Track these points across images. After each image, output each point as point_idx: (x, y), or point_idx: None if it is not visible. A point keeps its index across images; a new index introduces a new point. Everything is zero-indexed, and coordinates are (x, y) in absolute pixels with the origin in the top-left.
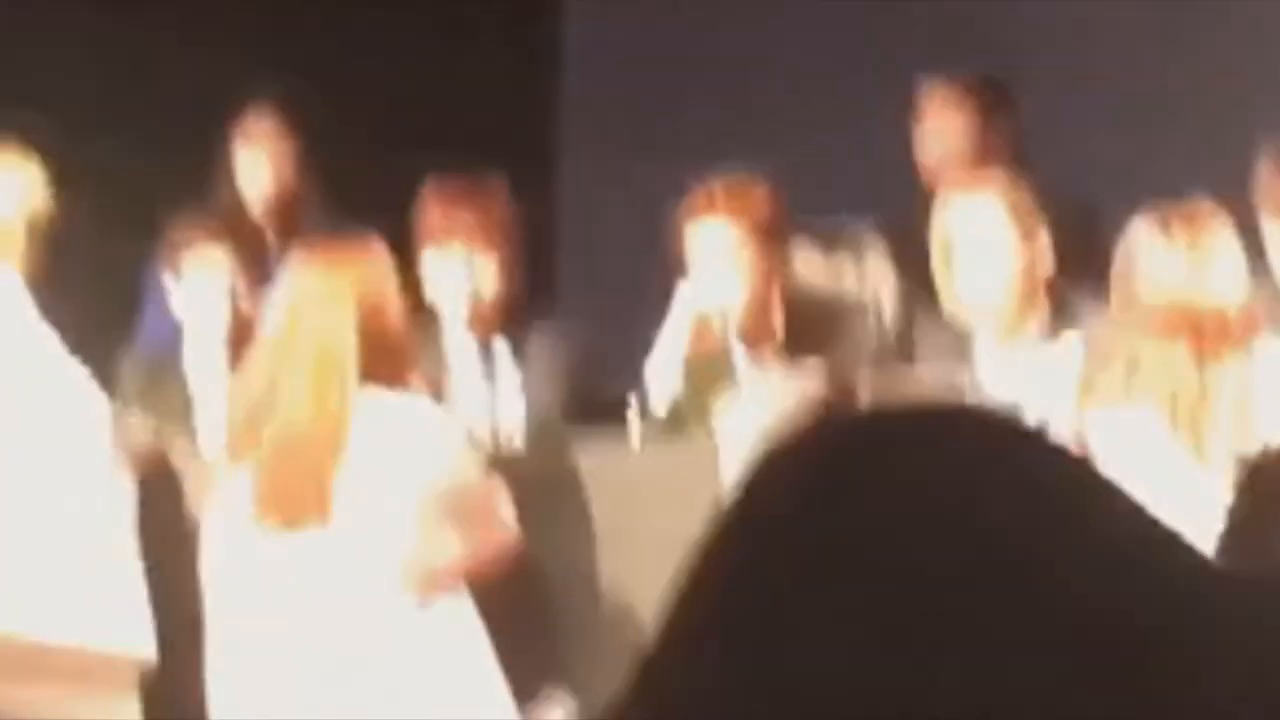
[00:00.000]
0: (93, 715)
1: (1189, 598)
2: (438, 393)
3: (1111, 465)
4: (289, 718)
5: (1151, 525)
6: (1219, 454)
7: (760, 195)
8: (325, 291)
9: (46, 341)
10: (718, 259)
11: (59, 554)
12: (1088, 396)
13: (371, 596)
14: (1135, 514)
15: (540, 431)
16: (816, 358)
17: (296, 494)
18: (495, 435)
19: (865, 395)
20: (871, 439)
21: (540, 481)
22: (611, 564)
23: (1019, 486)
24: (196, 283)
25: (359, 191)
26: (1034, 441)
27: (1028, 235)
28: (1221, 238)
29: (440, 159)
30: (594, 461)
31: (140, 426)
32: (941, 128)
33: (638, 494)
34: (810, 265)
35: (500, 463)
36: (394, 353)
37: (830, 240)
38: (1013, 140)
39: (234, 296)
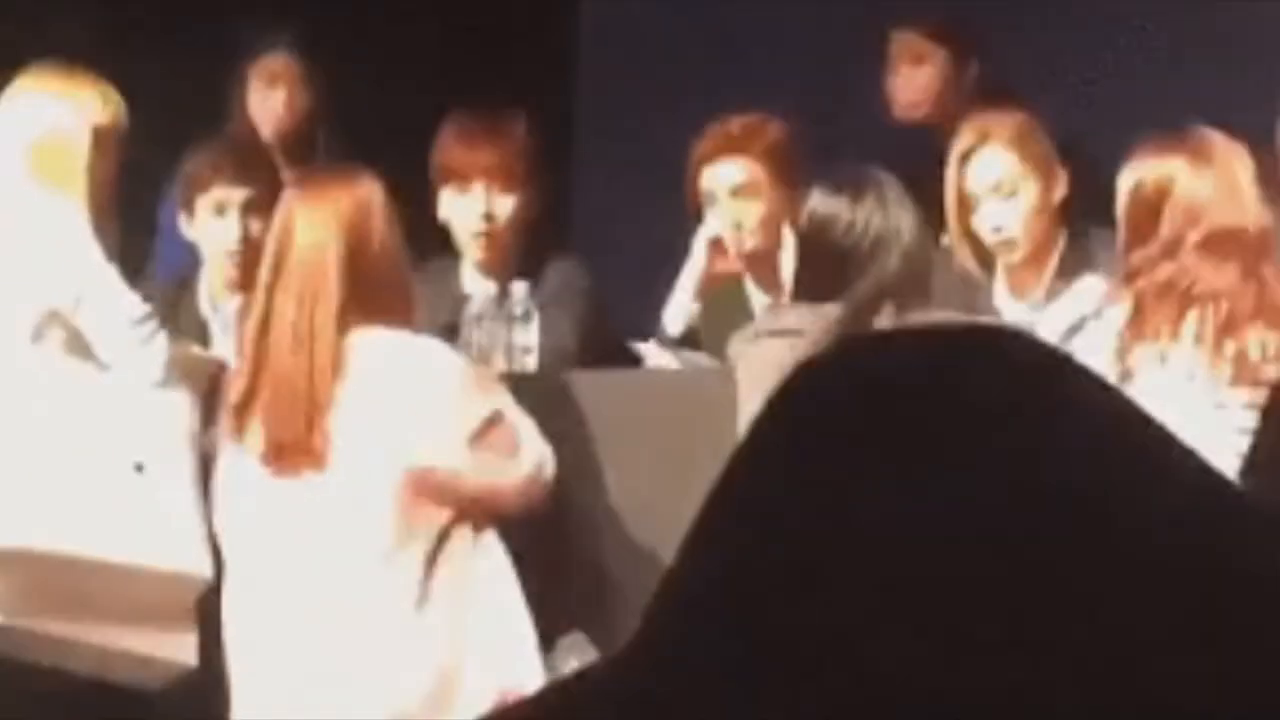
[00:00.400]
0: (153, 632)
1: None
2: (453, 334)
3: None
4: (302, 663)
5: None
6: (1253, 377)
7: (776, 134)
8: (309, 225)
9: (105, 275)
10: (734, 197)
11: (118, 475)
12: (1133, 336)
13: (375, 539)
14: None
15: (555, 368)
16: (836, 300)
17: (290, 440)
18: (511, 374)
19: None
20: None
21: (552, 405)
22: (622, 488)
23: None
24: (210, 216)
25: (379, 131)
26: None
27: (1043, 174)
28: (1244, 163)
29: (458, 99)
30: (608, 386)
31: (199, 356)
32: (910, 77)
33: (651, 418)
34: (829, 206)
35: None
36: (387, 289)
37: (848, 182)
38: (983, 82)
39: (247, 232)
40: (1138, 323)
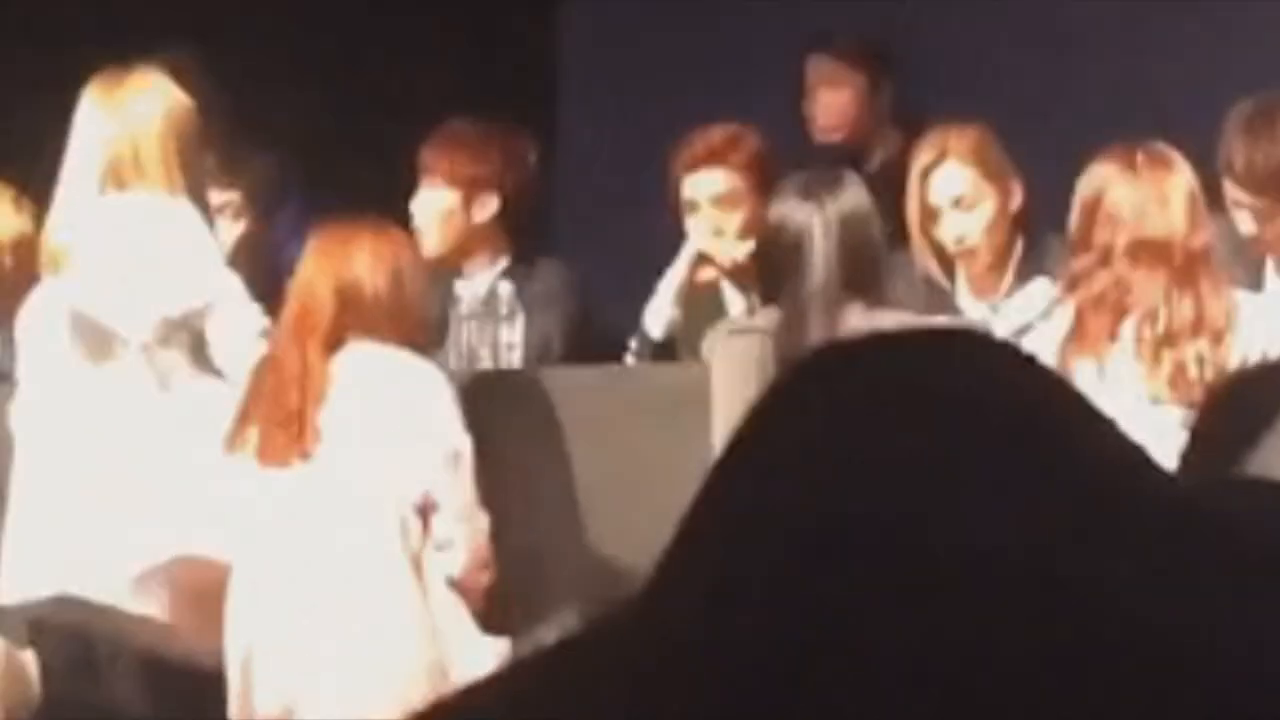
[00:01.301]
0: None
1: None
2: (443, 331)
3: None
4: (293, 653)
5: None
6: (1188, 385)
7: (755, 145)
8: (308, 265)
9: (232, 285)
10: (715, 206)
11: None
12: (1074, 346)
13: (359, 534)
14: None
15: (539, 365)
16: (776, 298)
17: (282, 437)
18: (496, 370)
19: (817, 335)
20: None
21: (535, 399)
22: (603, 480)
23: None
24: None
25: (364, 143)
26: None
27: (1001, 187)
28: (1183, 176)
29: (444, 107)
30: (590, 382)
31: None
32: (827, 101)
33: (631, 415)
34: (782, 207)
35: (499, 380)
36: (388, 315)
37: (802, 183)
38: (897, 100)
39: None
40: (1078, 332)
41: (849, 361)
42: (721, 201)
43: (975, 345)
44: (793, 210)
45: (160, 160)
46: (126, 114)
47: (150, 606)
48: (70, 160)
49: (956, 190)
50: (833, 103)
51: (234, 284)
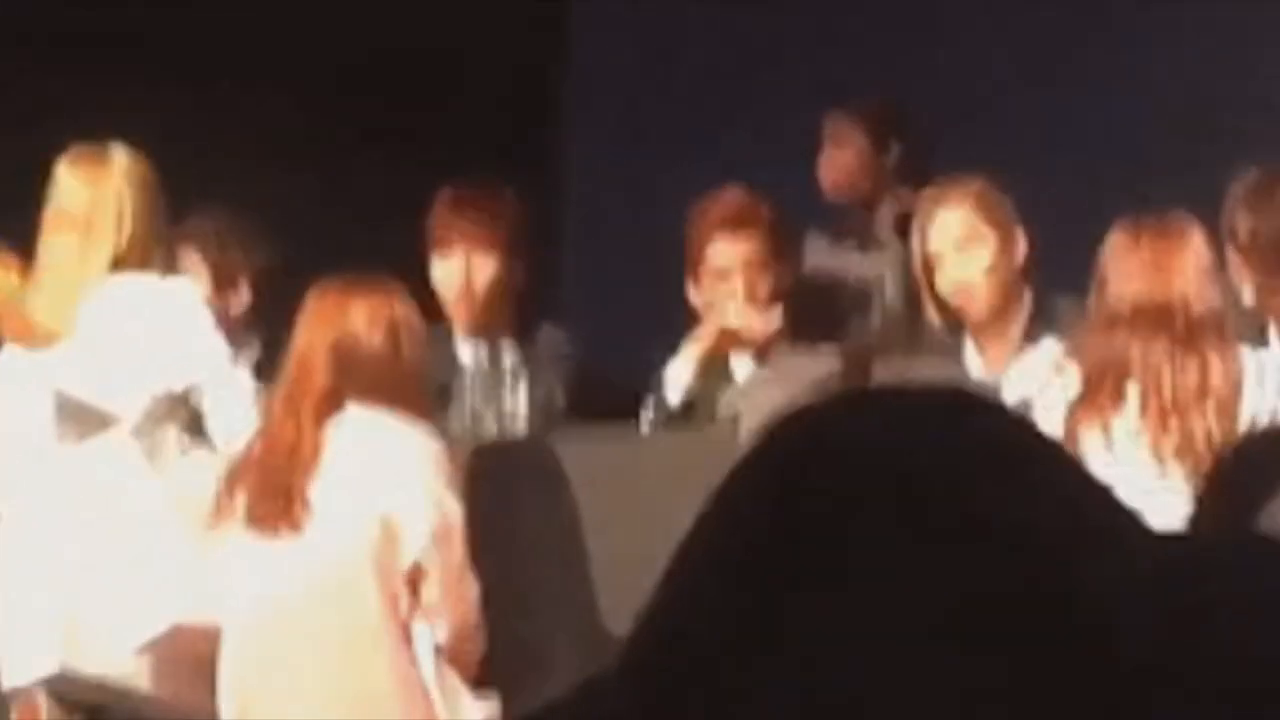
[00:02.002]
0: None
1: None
2: (446, 396)
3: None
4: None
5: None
6: (1195, 452)
7: (773, 211)
8: (307, 327)
9: (226, 357)
10: (745, 273)
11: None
12: (1081, 412)
13: (347, 605)
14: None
15: (546, 428)
16: (830, 342)
17: (270, 507)
18: (503, 436)
19: (879, 377)
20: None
21: (543, 465)
22: (612, 549)
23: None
24: None
25: (369, 201)
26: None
27: (1003, 233)
28: (1190, 246)
29: (447, 163)
30: (602, 448)
31: None
32: (832, 158)
33: (646, 481)
34: (818, 254)
35: (504, 448)
36: (384, 376)
37: (839, 231)
38: (912, 158)
39: None
40: (1086, 397)
41: (815, 449)
42: (752, 266)
43: (961, 407)
44: (822, 258)
45: (139, 233)
46: (101, 188)
47: (149, 679)
48: (50, 234)
49: (954, 233)
50: (838, 161)
51: (226, 357)
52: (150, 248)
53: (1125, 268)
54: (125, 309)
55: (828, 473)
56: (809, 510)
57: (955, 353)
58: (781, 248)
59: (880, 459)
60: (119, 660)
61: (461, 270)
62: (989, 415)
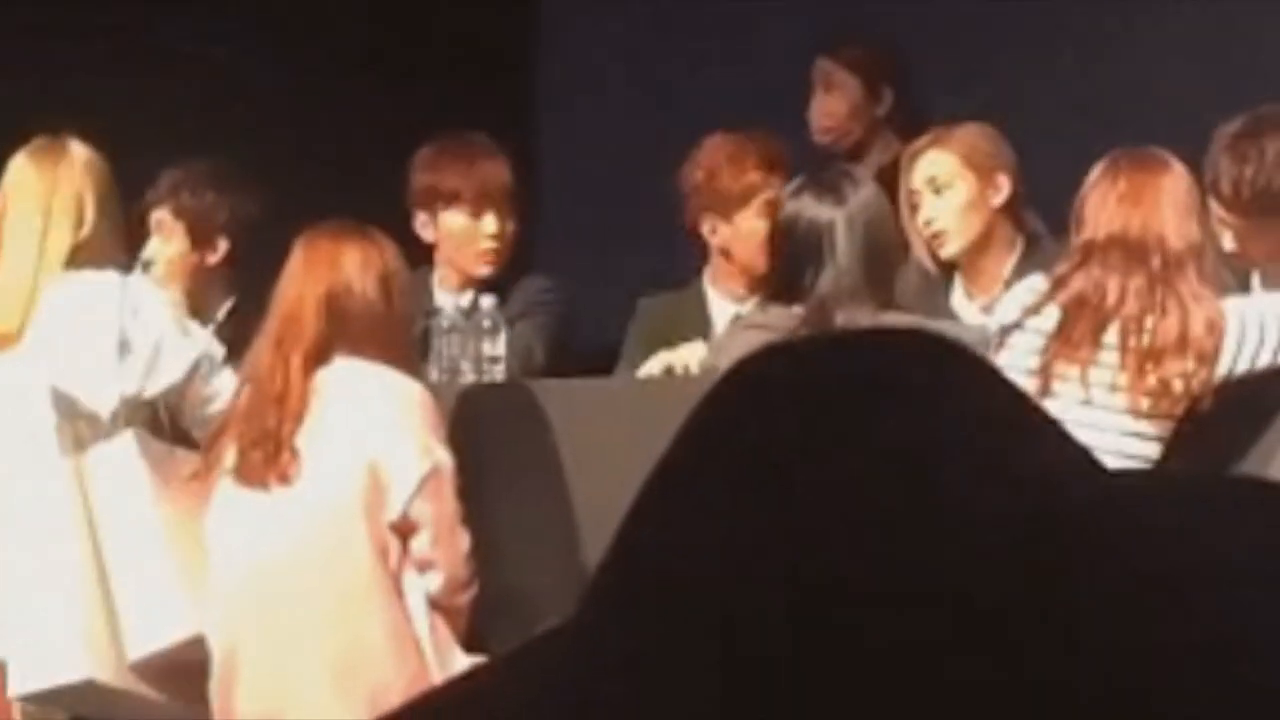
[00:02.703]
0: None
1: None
2: (424, 344)
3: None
4: (274, 672)
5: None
6: (1171, 397)
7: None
8: (294, 276)
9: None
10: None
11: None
12: (1058, 349)
13: (338, 556)
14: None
15: (525, 375)
16: (795, 295)
17: (259, 454)
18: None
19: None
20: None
21: (520, 413)
22: (591, 495)
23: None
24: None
25: (349, 155)
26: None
27: (982, 176)
28: (1170, 181)
29: (423, 119)
30: (575, 395)
31: None
32: (822, 102)
33: (617, 427)
34: (795, 205)
35: (488, 393)
36: (375, 327)
37: (815, 182)
38: (905, 108)
39: None
40: (1063, 335)
41: (790, 369)
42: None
43: (924, 351)
44: (812, 207)
45: (98, 229)
46: (57, 181)
47: (156, 689)
48: (9, 234)
49: (931, 172)
50: (827, 106)
51: (202, 352)
52: (109, 243)
53: (1102, 201)
54: (83, 308)
55: (789, 398)
56: (772, 432)
57: (938, 292)
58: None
59: (841, 385)
60: (120, 673)
61: (492, 225)
62: (944, 350)
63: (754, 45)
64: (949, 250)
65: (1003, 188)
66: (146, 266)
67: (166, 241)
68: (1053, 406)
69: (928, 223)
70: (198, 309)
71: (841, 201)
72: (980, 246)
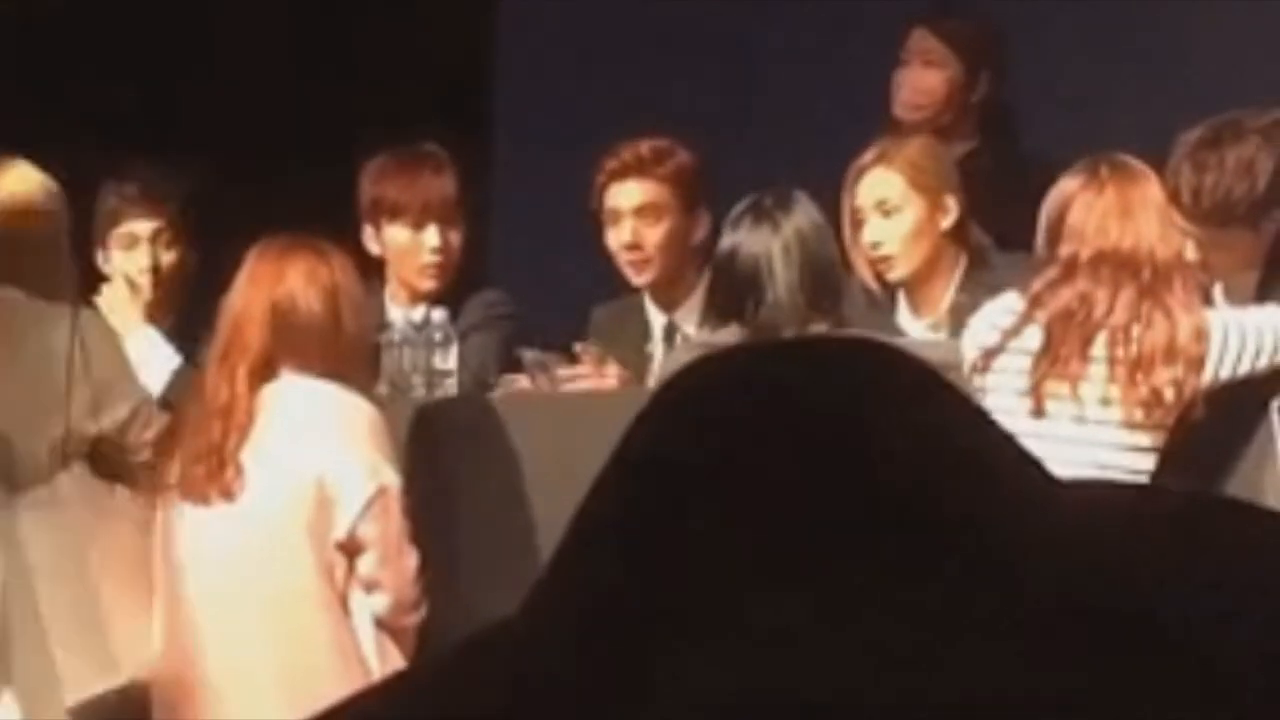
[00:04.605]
0: None
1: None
2: (374, 358)
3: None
4: (225, 688)
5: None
6: (1163, 408)
7: (683, 160)
8: (242, 288)
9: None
10: (637, 216)
11: None
12: (1044, 362)
13: (283, 575)
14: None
15: (475, 393)
16: (737, 323)
17: (203, 468)
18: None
19: None
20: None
21: (474, 428)
22: (545, 509)
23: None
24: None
25: (300, 166)
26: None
27: (931, 199)
28: (1150, 188)
29: (376, 131)
30: (528, 408)
31: None
32: (920, 76)
33: (572, 440)
34: (732, 233)
35: (442, 410)
36: (320, 342)
37: (753, 208)
38: (994, 87)
39: (156, 261)
40: (1050, 352)
41: (722, 382)
42: (643, 212)
43: (859, 357)
44: (746, 237)
45: (44, 258)
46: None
47: None
48: None
49: (879, 194)
50: (926, 82)
51: (146, 392)
52: (60, 271)
53: (1087, 213)
54: (31, 339)
55: (727, 406)
56: (708, 445)
57: (882, 311)
58: (686, 198)
59: (780, 395)
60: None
61: (434, 239)
62: (889, 356)
63: (711, 59)
64: (896, 274)
65: (950, 210)
66: (110, 281)
67: (129, 254)
68: (1046, 425)
69: (874, 245)
70: (159, 320)
71: (776, 227)
72: (927, 269)
